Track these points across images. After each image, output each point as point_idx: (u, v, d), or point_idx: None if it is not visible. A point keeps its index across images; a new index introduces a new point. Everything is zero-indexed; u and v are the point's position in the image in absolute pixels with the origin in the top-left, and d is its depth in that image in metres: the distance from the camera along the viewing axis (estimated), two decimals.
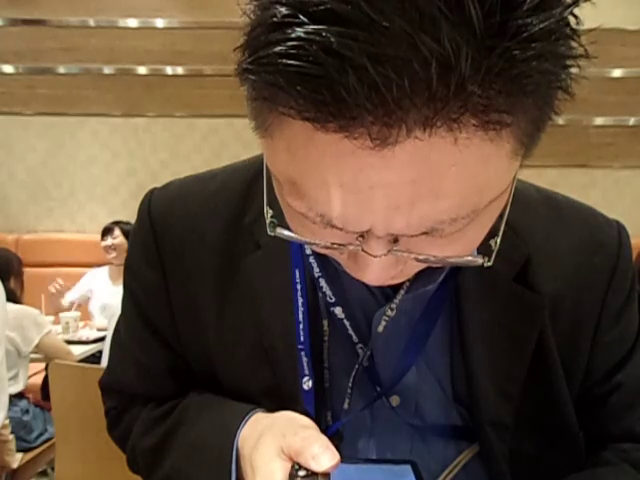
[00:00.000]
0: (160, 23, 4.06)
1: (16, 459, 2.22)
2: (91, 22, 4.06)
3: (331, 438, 0.45)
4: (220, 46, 3.78)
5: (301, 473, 0.42)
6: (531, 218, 0.57)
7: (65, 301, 3.36)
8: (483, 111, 0.30)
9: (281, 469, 0.43)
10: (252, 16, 0.32)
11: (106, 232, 3.46)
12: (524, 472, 0.56)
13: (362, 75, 0.27)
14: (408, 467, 0.50)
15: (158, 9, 4.04)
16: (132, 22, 4.05)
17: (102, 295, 3.42)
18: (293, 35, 0.28)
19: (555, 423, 0.57)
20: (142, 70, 4.09)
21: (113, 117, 4.15)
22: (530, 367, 0.55)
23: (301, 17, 0.28)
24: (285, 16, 0.29)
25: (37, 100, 4.12)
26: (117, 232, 3.43)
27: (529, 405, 0.56)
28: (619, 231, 0.60)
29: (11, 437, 2.16)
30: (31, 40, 4.06)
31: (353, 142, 0.30)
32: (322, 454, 0.42)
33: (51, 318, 3.10)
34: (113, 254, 3.42)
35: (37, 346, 2.37)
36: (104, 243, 3.43)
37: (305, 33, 0.28)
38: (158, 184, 0.63)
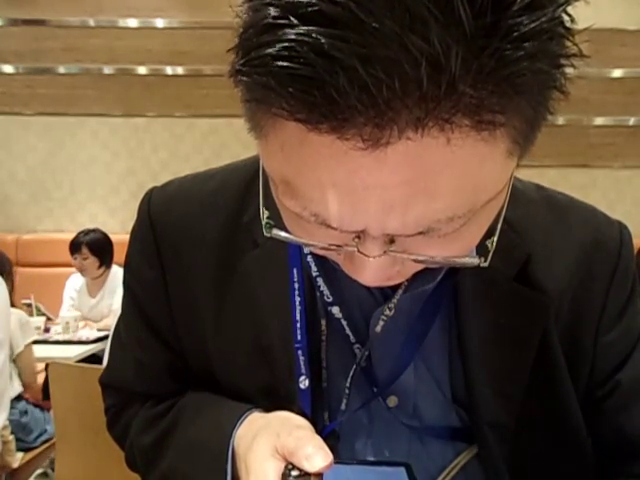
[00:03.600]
0: (160, 23, 4.06)
1: (17, 459, 2.22)
2: (91, 22, 4.06)
3: (327, 438, 0.45)
4: (220, 46, 3.67)
5: (294, 473, 0.42)
6: (531, 217, 0.57)
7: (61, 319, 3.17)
8: (475, 111, 0.30)
9: (274, 469, 0.43)
10: (244, 17, 0.32)
11: (74, 249, 3.28)
12: (525, 474, 0.56)
13: (352, 76, 0.27)
14: (402, 469, 0.50)
15: (158, 9, 4.05)
16: (132, 22, 4.06)
17: (80, 307, 3.35)
18: (284, 37, 0.29)
19: (560, 425, 0.57)
20: (142, 70, 4.10)
21: (113, 117, 4.15)
22: (533, 367, 0.54)
23: (292, 19, 0.28)
24: (276, 17, 0.29)
25: (37, 100, 4.12)
26: (85, 251, 3.26)
27: (533, 406, 0.55)
28: (620, 230, 0.59)
29: (11, 437, 2.16)
30: (31, 40, 4.07)
31: (345, 143, 0.30)
32: (315, 454, 0.42)
33: (42, 318, 3.08)
34: (84, 273, 3.32)
35: (17, 357, 2.31)
36: (73, 262, 3.29)
37: (296, 34, 0.28)
38: (158, 184, 0.63)
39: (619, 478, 0.58)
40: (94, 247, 3.29)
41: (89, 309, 3.35)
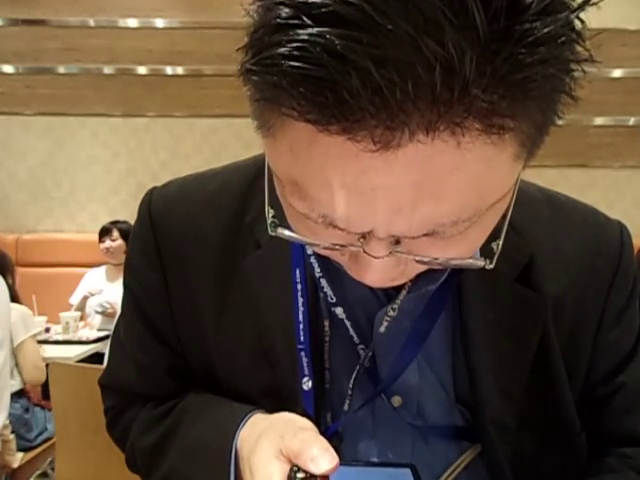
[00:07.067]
0: (160, 23, 4.06)
1: (17, 459, 2.21)
2: (91, 22, 4.06)
3: (330, 439, 0.45)
4: (220, 46, 3.78)
5: (300, 475, 0.42)
6: (534, 218, 0.57)
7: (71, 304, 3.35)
8: (486, 115, 0.30)
9: (279, 471, 0.43)
10: (255, 17, 0.32)
11: (104, 233, 3.42)
12: (525, 472, 0.56)
13: (365, 78, 0.27)
14: (408, 471, 0.50)
15: (158, 9, 4.05)
16: (132, 22, 4.06)
17: (99, 295, 3.38)
18: (296, 37, 0.28)
19: (557, 423, 0.57)
20: (142, 70, 4.10)
21: (113, 117, 4.15)
22: (532, 367, 0.55)
23: (305, 19, 0.28)
24: (289, 17, 0.29)
25: (37, 100, 4.12)
26: (115, 234, 3.40)
27: (531, 405, 0.55)
28: (621, 231, 0.60)
29: (12, 437, 2.16)
30: (31, 40, 4.07)
31: (356, 145, 0.30)
32: (321, 456, 0.42)
33: (44, 318, 3.08)
34: (111, 256, 3.40)
35: (17, 347, 2.30)
36: (102, 245, 3.41)
37: (308, 35, 0.28)
38: (158, 184, 0.62)
39: (609, 457, 0.60)
40: (125, 232, 3.38)
41: (109, 293, 3.36)
